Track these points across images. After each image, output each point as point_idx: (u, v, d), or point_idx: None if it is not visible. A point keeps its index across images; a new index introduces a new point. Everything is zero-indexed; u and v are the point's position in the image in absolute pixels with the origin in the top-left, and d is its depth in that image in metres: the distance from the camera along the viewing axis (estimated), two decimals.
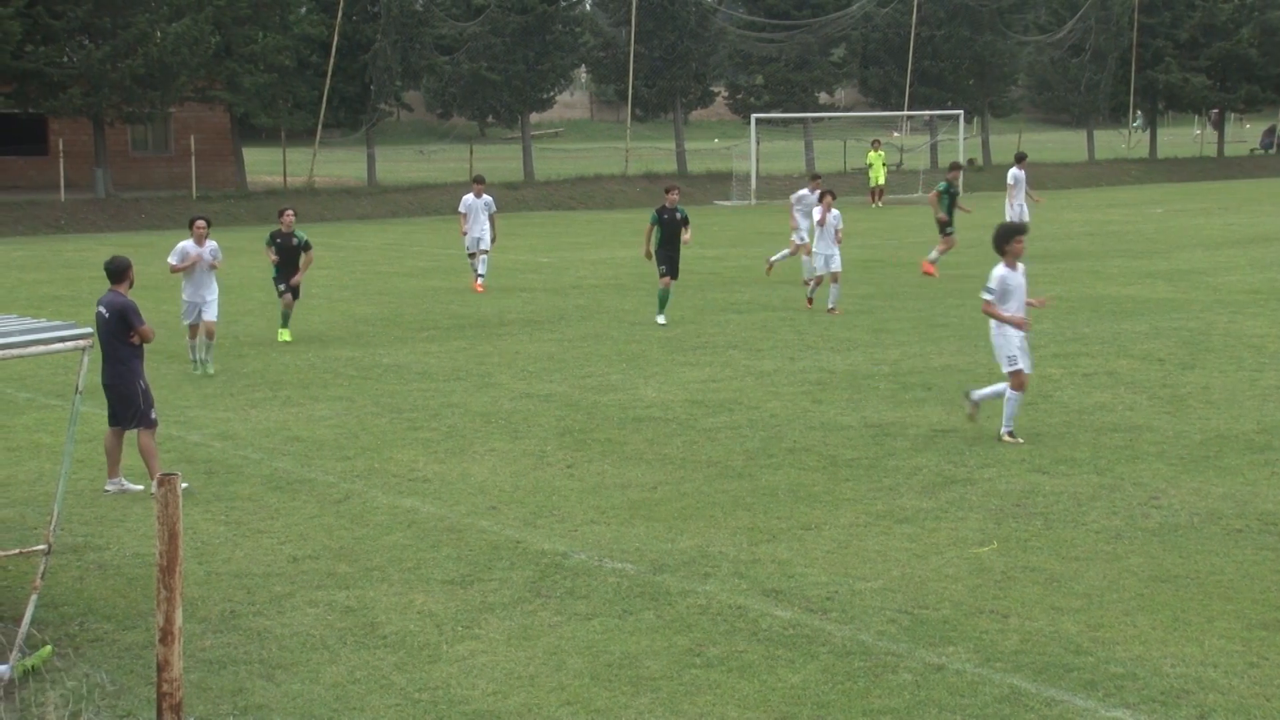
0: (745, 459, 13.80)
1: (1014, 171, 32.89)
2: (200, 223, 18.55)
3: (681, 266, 23.12)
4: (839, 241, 23.79)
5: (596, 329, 22.03)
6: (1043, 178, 61.29)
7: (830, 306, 23.36)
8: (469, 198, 27.09)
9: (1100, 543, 11.05)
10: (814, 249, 24.23)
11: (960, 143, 58.27)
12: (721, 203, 52.56)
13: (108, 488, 12.86)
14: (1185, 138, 75.88)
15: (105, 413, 13.06)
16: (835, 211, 23.82)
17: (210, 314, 18.49)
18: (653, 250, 22.78)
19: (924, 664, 8.71)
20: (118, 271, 13.08)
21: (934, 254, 29.02)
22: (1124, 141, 70.05)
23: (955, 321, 22.30)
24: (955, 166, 32.01)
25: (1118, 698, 8.21)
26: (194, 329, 18.71)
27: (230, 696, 8.33)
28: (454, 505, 12.31)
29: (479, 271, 26.95)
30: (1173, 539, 11.13)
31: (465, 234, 26.96)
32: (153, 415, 12.92)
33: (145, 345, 12.85)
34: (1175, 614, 9.50)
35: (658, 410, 16.00)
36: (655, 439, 14.64)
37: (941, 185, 29.39)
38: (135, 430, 12.81)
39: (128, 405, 12.67)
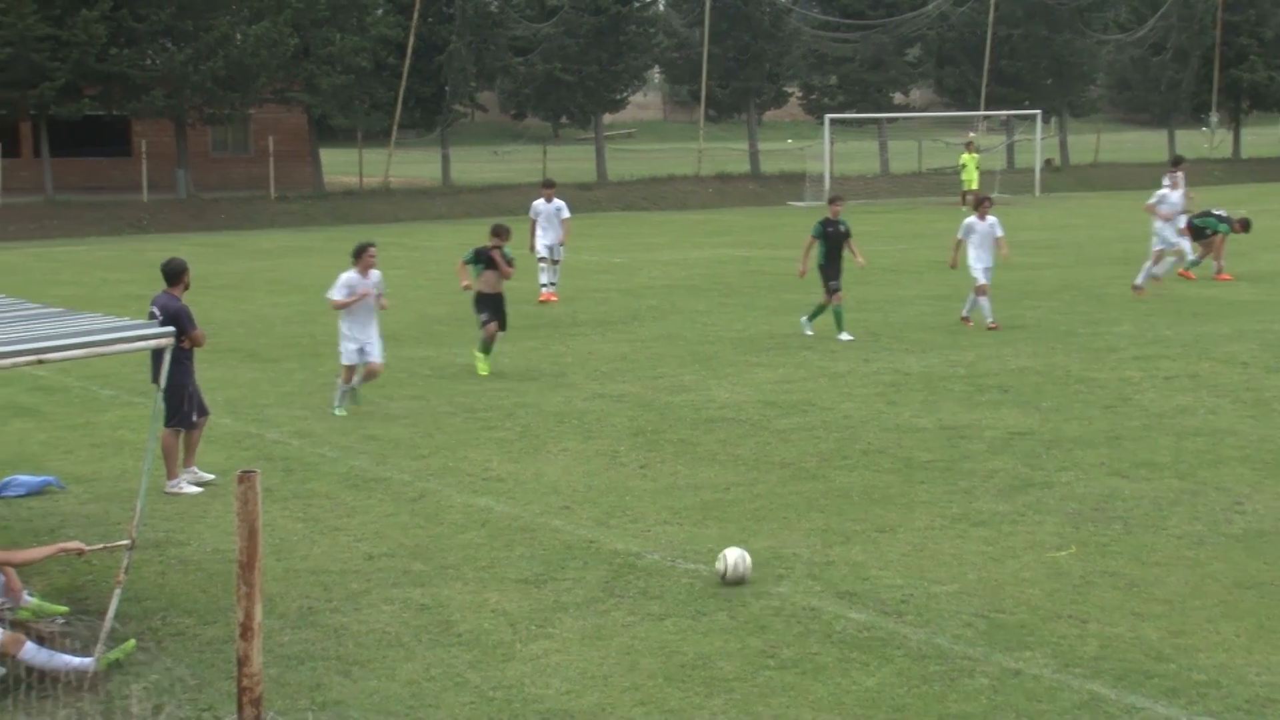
0: (819, 460, 13.74)
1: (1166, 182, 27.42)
2: (372, 250, 16.13)
3: (753, 267, 23.00)
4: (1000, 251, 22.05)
5: (669, 329, 22.03)
6: (1122, 178, 60.60)
7: (989, 321, 21.56)
8: (539, 203, 25.91)
9: (1182, 548, 10.90)
10: (972, 260, 21.95)
11: (1038, 143, 57.68)
12: (795, 203, 52.39)
13: (168, 489, 12.93)
14: (1270, 137, 74.63)
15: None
16: (992, 218, 22.14)
17: (376, 354, 16.08)
18: (813, 266, 21.39)
19: (1001, 668, 8.64)
20: (174, 274, 13.19)
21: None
22: (1206, 141, 69.01)
23: (1032, 323, 22.09)
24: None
25: (1201, 705, 8.10)
26: (351, 371, 16.15)
27: (308, 692, 8.41)
28: (527, 504, 12.35)
29: (550, 281, 25.54)
30: (1257, 545, 10.96)
31: (534, 241, 25.59)
32: (194, 418, 13.05)
33: (196, 349, 12.97)
34: (1260, 621, 9.35)
35: (731, 411, 15.97)
36: (728, 440, 14.62)
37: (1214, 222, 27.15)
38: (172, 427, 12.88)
39: (174, 405, 12.79)
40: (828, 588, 10.12)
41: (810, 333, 21.09)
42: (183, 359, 12.74)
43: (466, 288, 18.54)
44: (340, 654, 9.02)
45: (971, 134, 54.01)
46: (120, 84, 45.59)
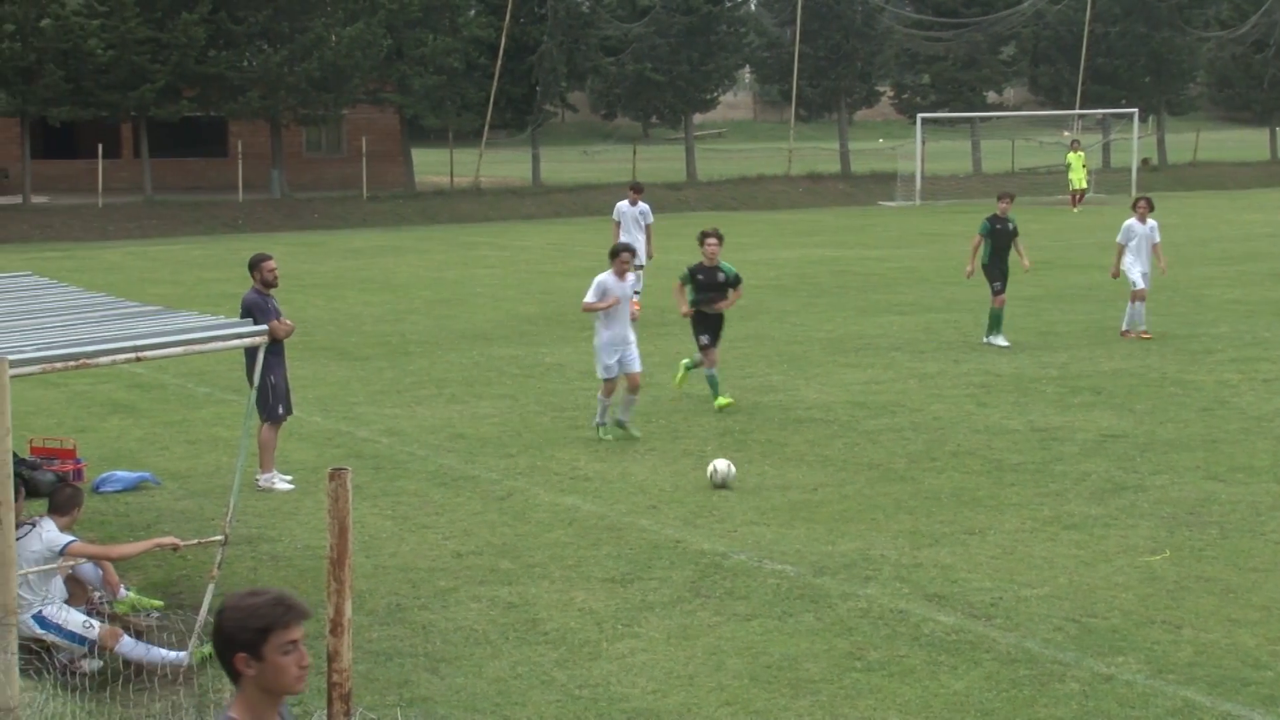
0: (908, 462, 13.64)
1: None
2: (626, 254, 14.87)
3: (843, 267, 22.81)
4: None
5: (757, 330, 21.97)
6: (1222, 177, 59.55)
7: (1142, 329, 20.61)
8: (623, 205, 24.39)
9: None
10: (1128, 265, 20.85)
11: (1134, 142, 56.82)
12: (885, 203, 52.04)
13: (260, 483, 13.08)
14: None
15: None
16: (1153, 222, 20.96)
17: (635, 362, 14.75)
18: (980, 265, 20.34)
19: (1092, 673, 8.52)
20: (250, 268, 13.41)
21: None
22: None
23: None
24: None
25: None
26: (611, 385, 14.76)
27: (397, 688, 8.49)
28: (614, 504, 12.38)
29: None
30: None
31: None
32: (280, 411, 13.19)
33: (283, 342, 13.09)
34: None
35: (819, 412, 15.89)
36: (816, 440, 14.55)
37: None
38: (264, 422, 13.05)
39: (261, 399, 12.93)
40: (916, 590, 10.04)
41: (1004, 344, 19.75)
42: (268, 354, 12.90)
43: (686, 315, 16.28)
44: (428, 651, 9.09)
45: (1066, 133, 53.18)
46: (218, 85, 46.33)
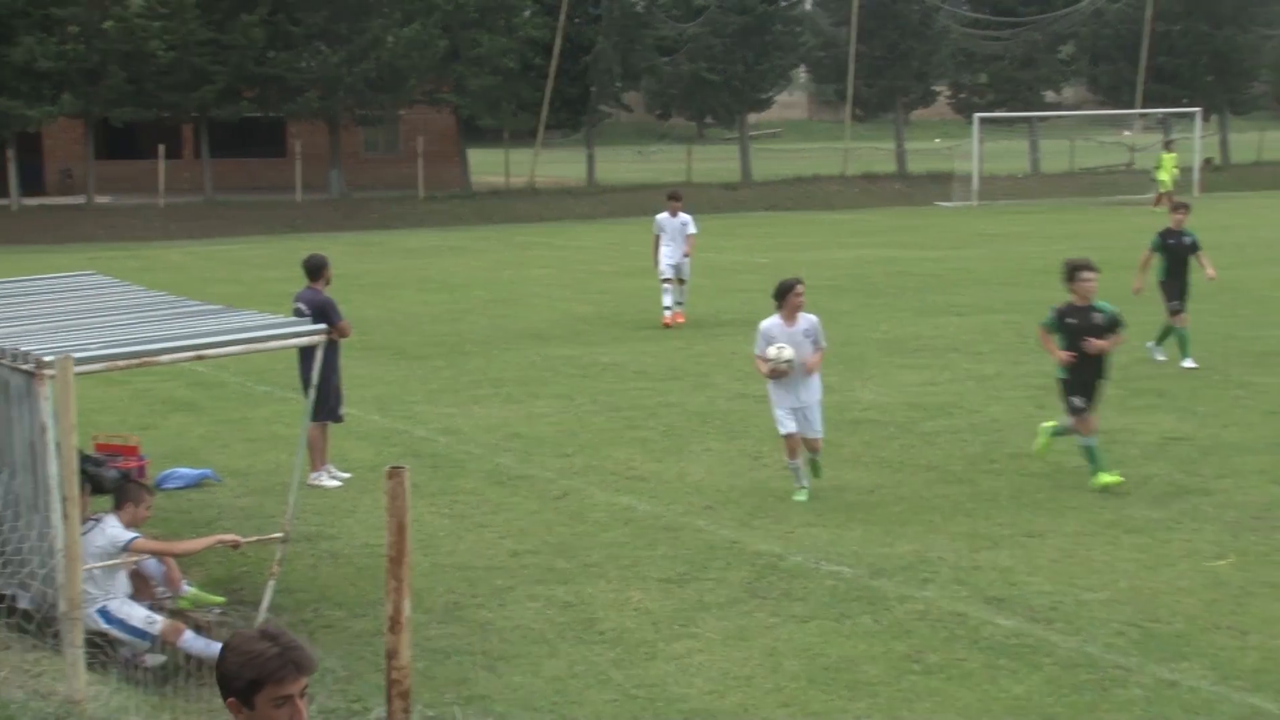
0: (965, 464, 13.55)
1: None
2: (799, 288, 12.23)
3: (899, 267, 22.61)
4: None
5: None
6: None
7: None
8: (663, 217, 23.03)
9: None
10: None
11: (1196, 142, 56.21)
12: (942, 203, 51.75)
13: (310, 481, 13.16)
14: None
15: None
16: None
17: (816, 422, 12.54)
18: (1157, 282, 18.79)
19: (1155, 679, 8.43)
20: (315, 269, 13.48)
21: None
22: None
23: (1190, 327, 21.48)
24: None
25: None
26: (792, 442, 12.40)
27: (454, 686, 8.52)
28: (670, 504, 12.37)
29: (676, 300, 22.73)
30: None
31: (658, 259, 22.84)
32: (340, 412, 13.31)
33: (342, 341, 13.19)
34: None
35: (875, 413, 15.82)
36: (873, 442, 14.48)
37: None
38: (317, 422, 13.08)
39: (322, 399, 12.98)
40: (974, 593, 9.97)
41: (1161, 358, 18.46)
42: (329, 354, 12.96)
43: (1068, 359, 12.68)
44: (486, 649, 9.12)
45: (1126, 133, 52.56)
46: (277, 86, 46.74)
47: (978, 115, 53.98)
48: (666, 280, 22.70)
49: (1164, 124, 63.33)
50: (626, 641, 9.21)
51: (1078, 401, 12.73)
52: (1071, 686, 8.37)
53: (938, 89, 63.70)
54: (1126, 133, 67.81)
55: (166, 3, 43.82)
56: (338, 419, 13.37)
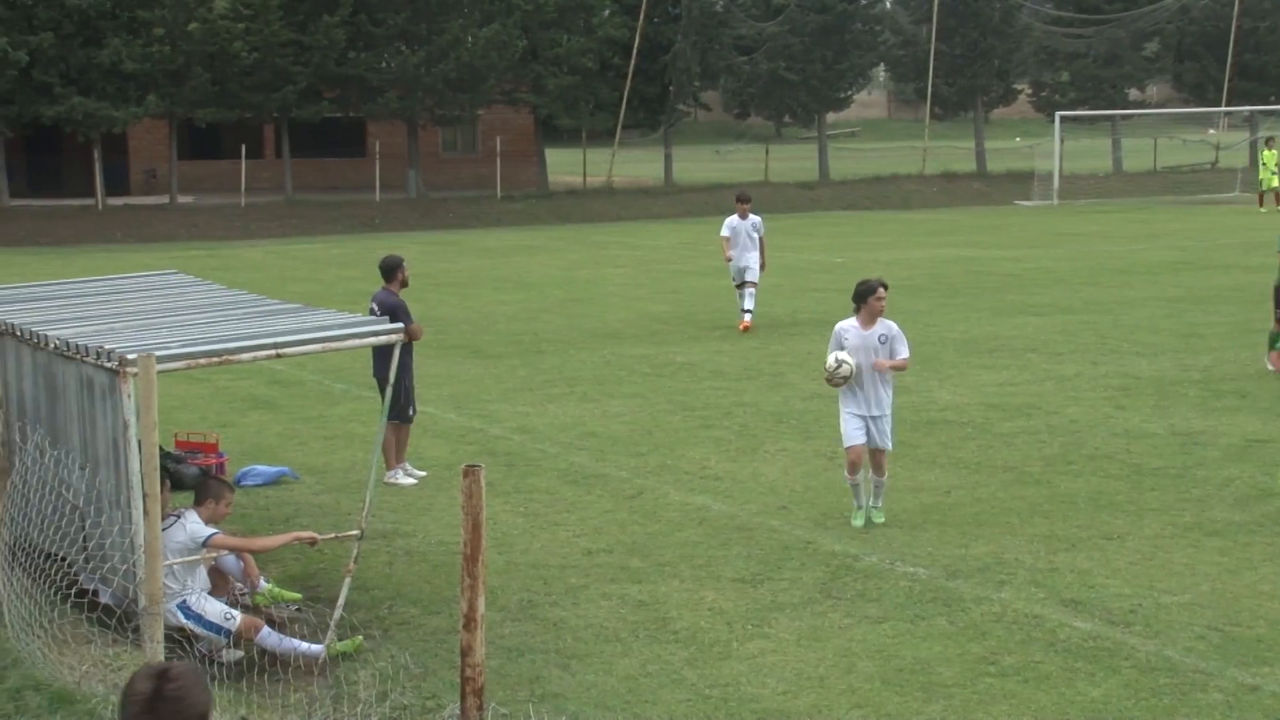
0: (1043, 465, 13.41)
1: None
2: (882, 291, 11.66)
3: (978, 267, 22.38)
4: None
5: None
6: None
7: None
8: (733, 220, 22.20)
9: None
10: None
11: None
12: (1021, 203, 51.25)
13: (388, 479, 13.27)
14: None
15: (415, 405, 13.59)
16: None
17: (886, 433, 11.82)
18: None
19: (1236, 684, 8.30)
20: (389, 270, 13.62)
21: None
22: None
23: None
24: None
25: None
26: (856, 454, 11.71)
27: (528, 684, 8.55)
28: (745, 504, 12.35)
29: (745, 307, 22.14)
30: None
31: (730, 261, 22.25)
32: (410, 412, 13.41)
33: (416, 342, 13.28)
34: None
35: (952, 413, 15.70)
36: (949, 442, 14.38)
37: None
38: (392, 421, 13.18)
39: (394, 399, 13.07)
40: (1051, 595, 9.86)
41: (1273, 368, 17.53)
42: (403, 355, 13.06)
43: None
44: (559, 647, 9.15)
45: (1211, 131, 51.71)
46: (357, 87, 47.18)
47: (1059, 114, 53.42)
48: (740, 285, 22.27)
49: (1250, 121, 62.32)
50: (700, 641, 9.21)
51: None
52: (1150, 690, 8.26)
53: (1019, 87, 63.08)
54: (1211, 131, 66.78)
55: (250, 4, 44.39)
56: (407, 419, 13.47)
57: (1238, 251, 31.96)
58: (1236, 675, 8.42)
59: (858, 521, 11.67)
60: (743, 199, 22.60)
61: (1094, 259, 31.48)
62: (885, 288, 11.69)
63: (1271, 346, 17.74)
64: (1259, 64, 59.72)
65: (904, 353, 11.74)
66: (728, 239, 22.15)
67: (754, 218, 22.22)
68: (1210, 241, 35.41)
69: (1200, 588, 9.93)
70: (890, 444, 11.87)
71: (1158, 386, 16.89)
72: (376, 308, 13.06)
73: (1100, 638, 9.03)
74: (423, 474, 13.52)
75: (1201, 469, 13.11)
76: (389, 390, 10.46)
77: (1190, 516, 11.64)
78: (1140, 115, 63.99)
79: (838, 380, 11.59)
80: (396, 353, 10.25)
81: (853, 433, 11.64)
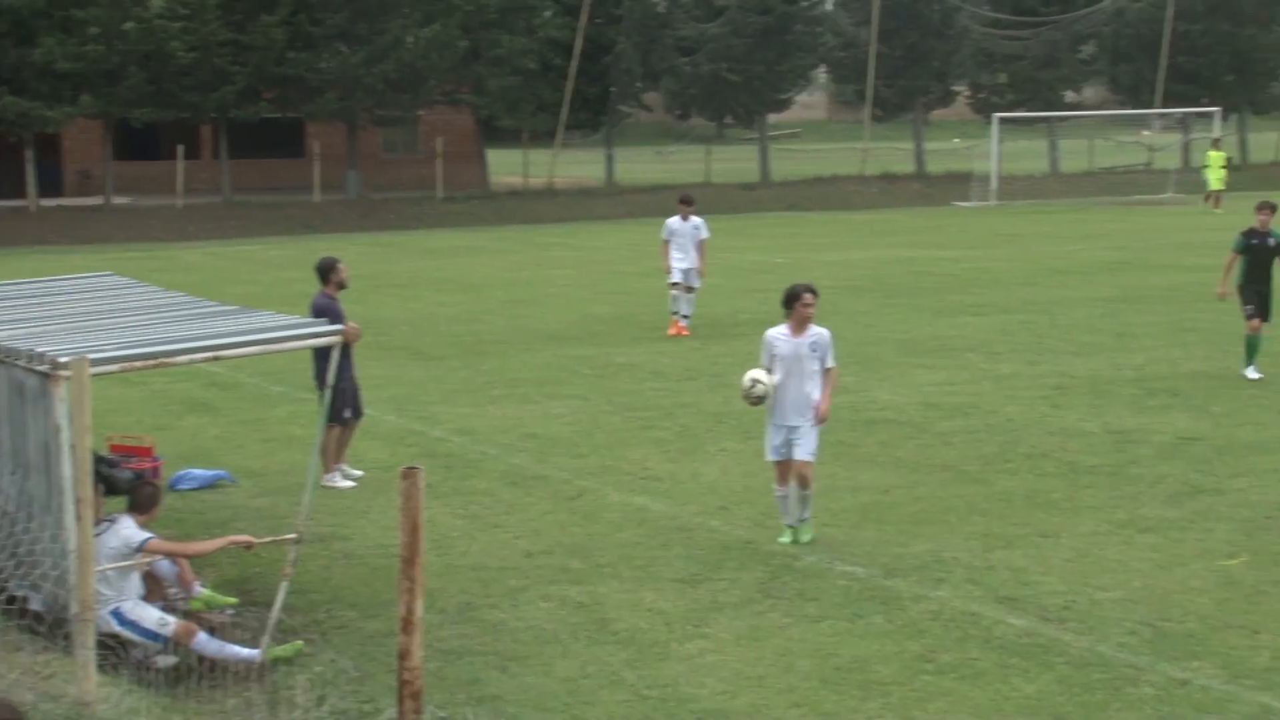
0: (981, 464, 13.53)
1: None
2: (808, 297, 11.58)
3: (917, 268, 22.56)
4: None
5: (830, 330, 21.78)
6: None
7: None
8: (674, 221, 21.83)
9: None
10: None
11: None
12: (960, 203, 51.63)
13: (325, 482, 13.19)
14: None
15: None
16: None
17: (806, 446, 11.25)
18: (1235, 286, 17.62)
19: (1167, 678, 8.42)
20: (323, 272, 13.62)
21: None
22: None
23: (1205, 326, 21.43)
24: None
25: None
26: (781, 470, 11.43)
27: (466, 686, 8.54)
28: (685, 504, 12.38)
29: (682, 312, 21.69)
30: None
31: (668, 265, 21.78)
32: (347, 414, 13.33)
33: (357, 343, 13.25)
34: None
35: (891, 413, 15.81)
36: (888, 442, 14.47)
37: None
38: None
39: (330, 402, 13.04)
40: (988, 592, 9.96)
41: (1256, 375, 17.25)
42: (340, 357, 13.05)
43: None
44: (498, 650, 9.14)
45: (1145, 132, 52.28)
46: (296, 87, 46.85)
47: (997, 115, 53.82)
48: (675, 285, 21.76)
49: (1183, 123, 63.10)
50: (639, 642, 9.23)
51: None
52: (1083, 686, 8.36)
53: (957, 89, 63.54)
54: (1145, 132, 67.54)
55: (187, 3, 43.98)
56: (343, 421, 13.39)
57: (1173, 252, 32.36)
58: (1167, 670, 8.54)
59: (784, 539, 11.22)
60: (685, 201, 22.25)
61: (1031, 259, 31.78)
62: (814, 294, 11.37)
63: (1250, 356, 17.35)
64: (1192, 67, 60.48)
65: (830, 362, 11.47)
66: (667, 242, 21.81)
67: (695, 219, 21.86)
68: (1145, 242, 35.81)
69: (1133, 584, 10.06)
70: (810, 455, 11.16)
71: (1093, 385, 17.08)
72: (313, 311, 13.03)
73: (1035, 634, 9.13)
74: (359, 474, 13.46)
75: (1135, 466, 13.28)
76: (327, 393, 10.41)
77: (1124, 513, 11.78)
78: (1077, 117, 64.59)
79: (752, 399, 11.36)
80: (336, 355, 10.20)
81: (773, 443, 11.32)
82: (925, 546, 11.01)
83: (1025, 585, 10.07)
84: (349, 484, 13.25)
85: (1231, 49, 60.48)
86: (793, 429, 11.19)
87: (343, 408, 13.28)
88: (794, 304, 11.33)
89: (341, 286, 13.60)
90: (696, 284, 21.82)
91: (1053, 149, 60.04)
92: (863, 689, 8.41)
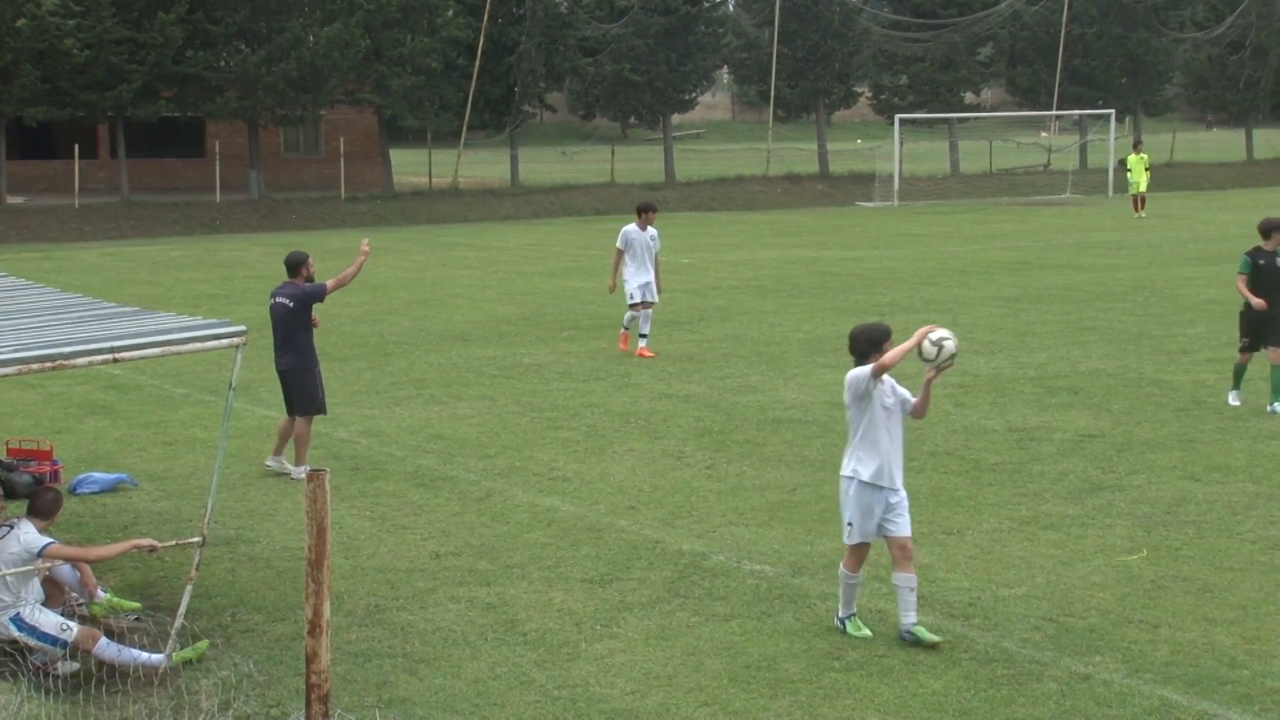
0: None
1: None
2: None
3: (821, 267, 22.69)
4: None
5: (736, 330, 21.99)
6: (1198, 178, 59.84)
7: None
8: (631, 230, 19.64)
9: (1257, 553, 10.74)
10: None
11: (1111, 143, 57.09)
12: (863, 204, 52.17)
13: (268, 463, 13.43)
14: None
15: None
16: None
17: (905, 523, 9.46)
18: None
19: (1070, 673, 8.55)
20: (293, 265, 14.10)
21: None
22: None
23: (1104, 325, 21.84)
24: None
25: (1276, 713, 7.98)
26: (859, 554, 9.46)
27: (375, 689, 8.47)
28: (593, 504, 12.38)
29: (643, 331, 19.72)
30: None
31: (622, 279, 19.73)
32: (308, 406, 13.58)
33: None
34: None
35: (797, 412, 15.92)
36: (795, 441, 14.57)
37: None
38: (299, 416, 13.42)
39: (308, 392, 13.46)
40: (895, 590, 10.04)
41: (1236, 402, 15.93)
42: (310, 344, 13.79)
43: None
44: (407, 652, 9.08)
45: (1043, 134, 53.18)
46: (195, 86, 46.20)
47: (898, 116, 54.48)
48: (634, 305, 19.68)
49: (1080, 125, 64.25)
50: (548, 642, 9.21)
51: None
52: (988, 681, 8.47)
53: (859, 90, 64.22)
54: (1043, 134, 68.69)
55: (81, 0, 43.19)
56: (323, 411, 13.85)
57: (1070, 251, 32.93)
58: (1070, 665, 8.68)
59: (863, 632, 9.30)
60: (646, 208, 19.87)
61: (933, 259, 32.18)
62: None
63: (1236, 382, 16.08)
64: (1087, 69, 61.62)
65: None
66: (621, 252, 19.70)
67: (653, 230, 19.73)
68: (1044, 242, 36.42)
69: (1036, 580, 10.21)
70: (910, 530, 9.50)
71: (995, 384, 17.32)
72: (288, 300, 13.68)
73: (941, 630, 9.23)
74: (278, 460, 13.58)
75: (1037, 464, 13.48)
76: (230, 394, 10.26)
77: (1026, 510, 11.96)
78: (976, 118, 65.57)
79: (946, 360, 10.11)
80: (239, 357, 10.04)
81: (854, 530, 9.45)
82: (832, 545, 11.08)
83: (931, 582, 10.18)
84: (300, 474, 13.19)
85: (1125, 52, 61.72)
86: (892, 492, 9.39)
87: (324, 397, 13.71)
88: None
89: (309, 281, 14.01)
90: (655, 299, 19.95)
91: (953, 150, 60.88)
92: (771, 687, 8.46)
